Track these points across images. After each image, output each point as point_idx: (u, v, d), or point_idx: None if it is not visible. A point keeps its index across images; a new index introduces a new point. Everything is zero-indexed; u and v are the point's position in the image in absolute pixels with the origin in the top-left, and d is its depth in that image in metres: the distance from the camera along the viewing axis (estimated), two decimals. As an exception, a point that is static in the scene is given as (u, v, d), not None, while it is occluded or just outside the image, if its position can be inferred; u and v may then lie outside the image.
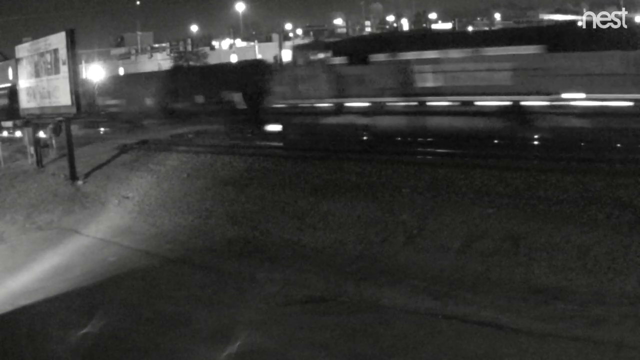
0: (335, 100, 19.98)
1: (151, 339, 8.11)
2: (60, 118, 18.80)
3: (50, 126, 20.55)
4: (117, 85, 34.39)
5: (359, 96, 19.40)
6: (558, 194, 10.89)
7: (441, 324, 7.93)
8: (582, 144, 14.60)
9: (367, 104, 19.32)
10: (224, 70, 29.87)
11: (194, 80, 29.26)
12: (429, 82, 18.04)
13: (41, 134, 20.96)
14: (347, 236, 11.35)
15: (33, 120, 20.62)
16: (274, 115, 21.98)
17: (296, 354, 7.38)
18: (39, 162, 20.26)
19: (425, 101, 17.92)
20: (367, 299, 8.94)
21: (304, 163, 15.64)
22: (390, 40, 21.79)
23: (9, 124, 26.40)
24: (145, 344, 7.98)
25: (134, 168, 18.07)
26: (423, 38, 22.16)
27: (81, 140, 23.46)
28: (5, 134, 27.54)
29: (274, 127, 21.93)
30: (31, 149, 20.79)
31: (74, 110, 17.75)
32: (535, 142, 15.65)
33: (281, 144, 20.35)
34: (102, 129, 30.91)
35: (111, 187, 16.72)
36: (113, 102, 33.82)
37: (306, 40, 78.31)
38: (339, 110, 19.91)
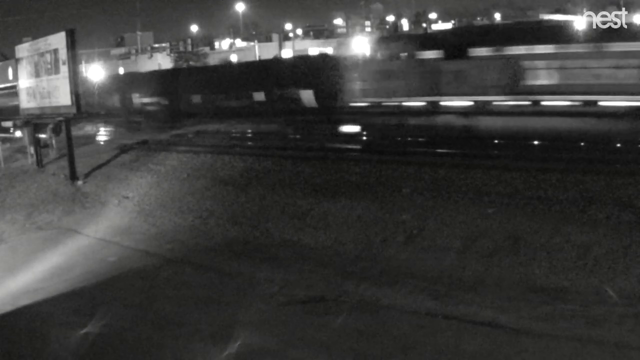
0: (428, 98, 18.41)
1: (151, 338, 8.11)
2: (60, 118, 18.80)
3: (50, 126, 20.57)
4: (157, 82, 30.89)
5: (457, 94, 17.86)
6: None
7: (441, 324, 7.93)
8: None
9: (467, 103, 17.68)
10: (291, 65, 26.37)
11: (252, 75, 26.26)
12: (542, 79, 16.64)
13: (41, 134, 20.97)
14: (347, 236, 11.36)
15: (33, 120, 20.63)
16: (352, 114, 20.08)
17: (296, 353, 7.38)
18: (39, 162, 20.27)
19: (539, 100, 16.43)
20: (367, 299, 8.94)
21: (303, 163, 15.63)
22: (494, 33, 19.87)
23: (9, 123, 26.37)
24: (145, 343, 7.99)
25: (134, 168, 18.08)
26: (534, 31, 19.71)
27: (81, 140, 23.47)
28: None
29: (352, 128, 19.73)
30: (31, 149, 20.81)
31: (74, 110, 17.76)
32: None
33: (359, 146, 17.82)
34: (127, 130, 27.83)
35: (111, 187, 16.72)
36: (152, 100, 30.34)
37: (306, 40, 78.37)
38: (433, 109, 18.26)
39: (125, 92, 32.16)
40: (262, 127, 23.07)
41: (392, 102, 19.25)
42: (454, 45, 18.58)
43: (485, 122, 16.95)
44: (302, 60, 27.61)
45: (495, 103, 17.29)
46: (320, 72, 22.46)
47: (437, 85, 18.27)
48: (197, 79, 28.95)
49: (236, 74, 27.70)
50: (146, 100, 30.66)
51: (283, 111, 23.06)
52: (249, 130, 23.33)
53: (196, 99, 27.52)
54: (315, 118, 21.57)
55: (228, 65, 38.65)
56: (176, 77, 31.15)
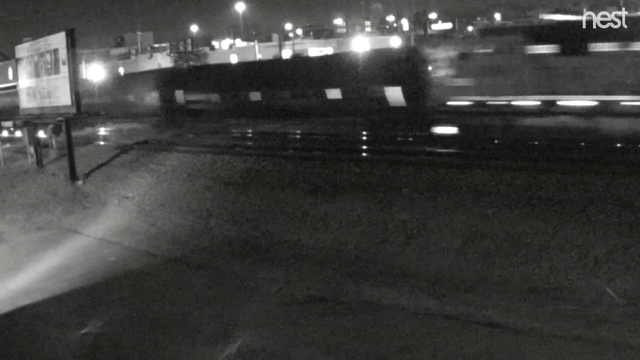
0: (542, 97, 16.97)
1: (151, 339, 8.10)
2: (60, 118, 18.80)
3: (50, 126, 20.57)
4: (206, 78, 28.21)
5: (576, 92, 16.49)
6: None
7: (441, 324, 7.93)
8: None
9: (589, 103, 16.22)
10: (373, 59, 23.01)
11: (324, 71, 23.57)
12: None
13: (41, 134, 20.98)
14: (347, 236, 11.35)
15: (33, 120, 20.63)
16: (448, 114, 18.26)
17: (296, 354, 7.38)
18: (39, 162, 20.27)
19: None
20: (367, 299, 8.94)
21: (305, 163, 15.61)
22: (618, 26, 17.46)
23: (9, 124, 26.37)
24: (145, 344, 7.98)
25: (134, 168, 18.07)
26: None
27: (81, 140, 23.47)
28: (5, 133, 27.48)
29: (446, 130, 17.62)
30: (31, 149, 20.81)
31: (74, 110, 17.77)
32: None
33: (455, 150, 15.35)
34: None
35: (111, 187, 16.72)
36: (199, 97, 27.48)
37: (307, 40, 78.36)
38: (547, 109, 16.80)
39: (166, 89, 29.40)
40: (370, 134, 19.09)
41: (499, 101, 17.75)
42: (572, 39, 17.21)
43: (608, 124, 15.24)
44: (386, 54, 24.73)
45: (623, 103, 15.86)
46: (410, 67, 20.22)
47: (552, 82, 16.92)
48: (257, 74, 26.37)
49: (304, 69, 24.90)
50: (192, 97, 27.88)
51: (361, 110, 20.53)
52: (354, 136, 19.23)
53: (255, 96, 24.96)
54: (395, 117, 19.05)
55: (295, 59, 34.47)
56: (230, 72, 28.74)
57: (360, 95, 21.16)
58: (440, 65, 19.81)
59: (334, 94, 22.11)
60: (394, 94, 20.13)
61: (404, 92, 19.92)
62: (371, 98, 20.76)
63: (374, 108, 20.42)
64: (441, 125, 17.97)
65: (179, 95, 28.58)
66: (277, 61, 33.45)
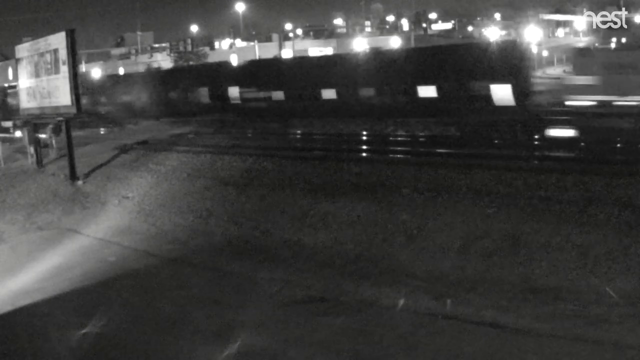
0: None
1: (151, 339, 8.10)
2: (60, 118, 18.80)
3: (50, 126, 20.56)
4: (266, 73, 25.58)
5: None
6: None
7: (441, 324, 7.93)
8: None
9: None
10: (477, 53, 20.13)
11: (417, 66, 20.93)
12: None
13: (41, 134, 20.98)
14: (347, 236, 11.35)
15: (33, 120, 20.64)
16: (565, 115, 16.77)
17: (296, 354, 7.38)
18: (39, 162, 20.26)
19: None
20: (367, 299, 8.94)
21: (303, 163, 15.61)
22: None
23: (9, 123, 26.38)
24: (145, 344, 7.98)
25: (134, 168, 18.07)
26: None
27: (81, 140, 23.46)
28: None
29: (564, 132, 16.05)
30: (31, 149, 20.80)
31: (73, 110, 17.76)
32: None
33: (572, 154, 13.84)
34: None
35: (111, 187, 16.72)
36: (258, 94, 24.70)
37: (306, 40, 78.36)
38: None
39: (217, 85, 26.90)
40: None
41: (630, 102, 16.39)
42: None
43: None
44: (494, 47, 21.52)
45: None
46: (523, 62, 18.32)
47: None
48: (331, 70, 23.94)
49: (390, 64, 22.40)
50: (249, 95, 25.22)
51: (464, 111, 18.67)
52: None
53: (328, 94, 22.73)
54: (500, 118, 17.19)
55: (380, 52, 30.46)
56: (297, 67, 26.23)
57: (460, 93, 19.00)
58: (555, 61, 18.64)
59: (428, 91, 19.65)
60: (502, 92, 17.98)
61: (514, 91, 17.81)
62: (473, 97, 18.64)
63: (475, 108, 18.48)
64: (554, 127, 16.47)
65: (234, 92, 25.95)
66: (358, 55, 29.69)
